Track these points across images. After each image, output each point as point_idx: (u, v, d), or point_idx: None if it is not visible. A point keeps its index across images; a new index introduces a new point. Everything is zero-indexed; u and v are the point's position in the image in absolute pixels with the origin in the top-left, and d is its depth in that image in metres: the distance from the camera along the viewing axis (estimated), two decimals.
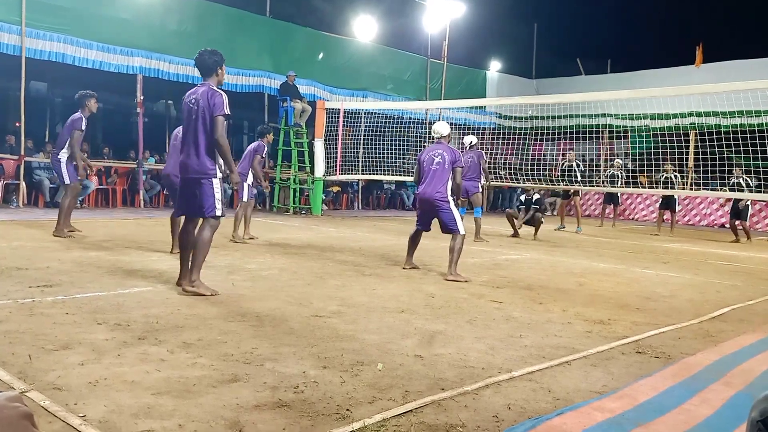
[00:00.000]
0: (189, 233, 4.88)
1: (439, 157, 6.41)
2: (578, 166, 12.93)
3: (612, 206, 15.38)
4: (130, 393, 2.61)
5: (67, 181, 7.88)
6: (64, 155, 7.78)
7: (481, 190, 10.43)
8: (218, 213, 4.74)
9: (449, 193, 6.36)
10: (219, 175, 4.78)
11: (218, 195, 4.74)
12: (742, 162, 12.28)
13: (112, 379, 2.75)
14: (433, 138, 6.80)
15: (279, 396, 2.66)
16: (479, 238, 9.95)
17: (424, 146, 16.80)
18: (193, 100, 4.76)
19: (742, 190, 11.64)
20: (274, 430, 2.34)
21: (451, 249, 6.19)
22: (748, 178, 11.83)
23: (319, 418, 2.45)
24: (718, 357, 3.65)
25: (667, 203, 13.36)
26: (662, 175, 13.29)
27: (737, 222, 12.26)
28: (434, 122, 7.12)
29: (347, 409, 2.56)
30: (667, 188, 12.95)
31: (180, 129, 7.00)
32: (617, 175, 13.89)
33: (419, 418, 2.52)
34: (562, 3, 24.09)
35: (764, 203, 15.68)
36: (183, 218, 6.94)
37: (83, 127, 7.74)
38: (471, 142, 10.51)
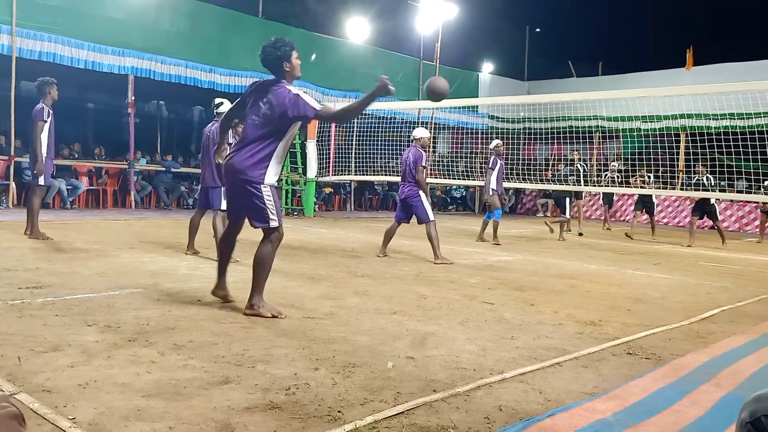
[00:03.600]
0: (231, 240, 4.57)
1: (405, 157, 7.65)
2: (583, 168, 12.87)
3: (608, 207, 15.38)
4: (120, 395, 2.59)
5: (41, 181, 7.46)
6: (42, 152, 7.35)
7: (492, 194, 10.06)
8: (274, 224, 4.18)
9: (420, 188, 7.47)
10: (273, 181, 4.12)
11: (270, 203, 4.13)
12: (733, 160, 12.32)
13: (102, 381, 2.73)
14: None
15: (270, 398, 2.66)
16: (482, 238, 10.04)
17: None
18: (265, 100, 4.05)
19: (707, 189, 11.62)
20: None
21: (429, 237, 7.36)
22: (711, 177, 11.76)
23: (310, 420, 2.45)
24: (708, 358, 3.67)
25: (644, 205, 13.01)
26: (636, 179, 13.14)
27: (711, 223, 12.10)
28: (426, 123, 7.52)
29: (339, 411, 2.55)
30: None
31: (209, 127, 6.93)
32: (615, 177, 13.89)
33: (411, 420, 2.52)
34: (554, 5, 24.18)
35: (754, 204, 15.78)
36: (203, 219, 7.01)
37: (45, 118, 7.27)
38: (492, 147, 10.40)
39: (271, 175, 4.10)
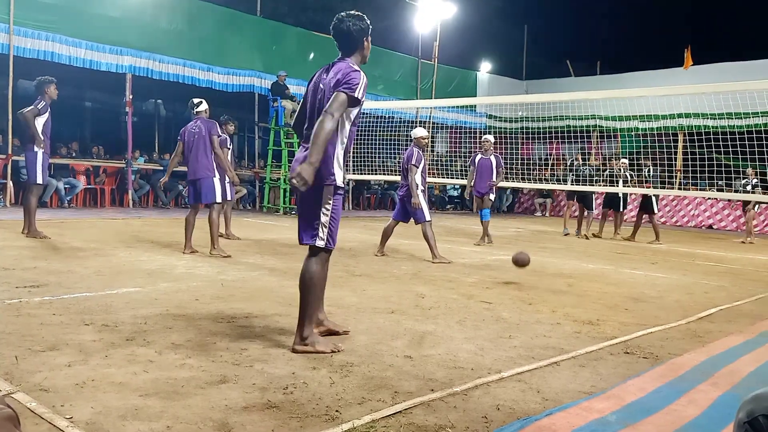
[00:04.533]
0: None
1: (404, 157, 7.63)
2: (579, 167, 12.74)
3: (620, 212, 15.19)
4: (118, 394, 2.59)
5: (39, 180, 7.53)
6: (40, 147, 7.45)
7: (473, 192, 9.94)
8: (321, 243, 3.39)
9: (414, 187, 7.37)
10: (339, 181, 3.41)
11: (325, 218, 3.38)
12: (731, 160, 12.35)
13: (99, 381, 2.73)
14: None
15: (268, 397, 2.66)
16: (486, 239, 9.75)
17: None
18: (327, 80, 3.41)
19: (616, 182, 12.04)
20: (263, 431, 2.33)
21: (425, 236, 7.36)
22: (629, 174, 12.24)
23: (308, 420, 2.45)
24: (705, 357, 3.67)
25: (612, 202, 12.37)
26: (610, 172, 12.82)
27: (646, 216, 11.99)
28: (424, 122, 7.51)
29: (336, 410, 2.55)
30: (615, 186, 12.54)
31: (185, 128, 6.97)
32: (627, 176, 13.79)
33: (408, 419, 2.52)
34: (552, 5, 24.19)
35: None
36: (193, 217, 7.02)
37: (39, 108, 7.38)
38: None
39: (340, 174, 3.39)
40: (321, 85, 3.43)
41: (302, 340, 3.35)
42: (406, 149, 7.70)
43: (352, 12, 3.52)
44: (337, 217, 3.42)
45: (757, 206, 12.92)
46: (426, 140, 7.77)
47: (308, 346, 3.33)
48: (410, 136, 7.80)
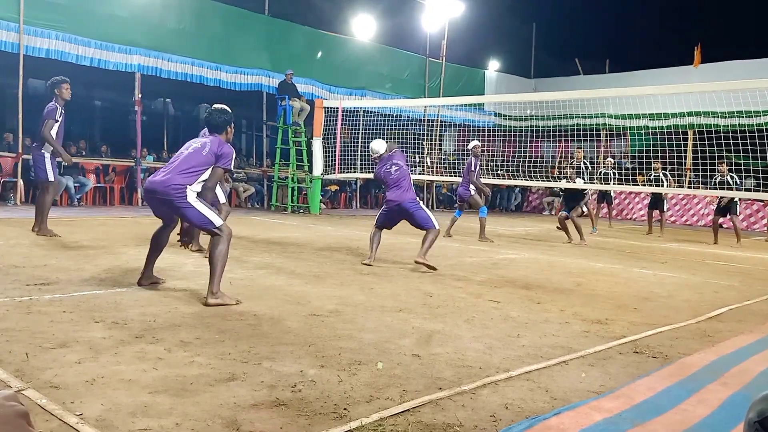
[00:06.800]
0: (162, 236, 4.84)
1: (395, 167, 6.82)
2: (586, 167, 12.76)
3: (606, 205, 15.30)
4: (127, 391, 2.60)
5: (50, 177, 7.50)
6: (48, 149, 7.42)
7: (472, 193, 10.34)
8: (218, 223, 4.42)
9: (414, 193, 6.83)
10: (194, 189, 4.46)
11: (201, 207, 4.40)
12: (741, 158, 12.27)
13: (109, 378, 2.74)
14: (374, 159, 7.17)
15: (276, 395, 2.66)
16: (483, 237, 10.00)
17: (422, 145, 16.85)
18: (198, 140, 4.64)
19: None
20: (272, 429, 2.34)
21: (425, 239, 6.52)
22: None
23: (316, 417, 2.45)
24: (715, 357, 3.65)
25: (656, 203, 13.18)
26: (650, 174, 13.21)
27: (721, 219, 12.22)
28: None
29: (345, 409, 2.55)
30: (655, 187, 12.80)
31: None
32: (610, 174, 13.77)
33: (417, 418, 2.52)
34: (560, 3, 24.09)
35: (761, 203, 15.69)
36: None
37: (57, 117, 7.31)
38: (470, 148, 10.60)
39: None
40: (194, 144, 4.57)
41: (213, 294, 4.31)
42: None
43: (219, 107, 4.71)
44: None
45: None
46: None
47: (219, 299, 4.30)
48: (375, 153, 7.23)
